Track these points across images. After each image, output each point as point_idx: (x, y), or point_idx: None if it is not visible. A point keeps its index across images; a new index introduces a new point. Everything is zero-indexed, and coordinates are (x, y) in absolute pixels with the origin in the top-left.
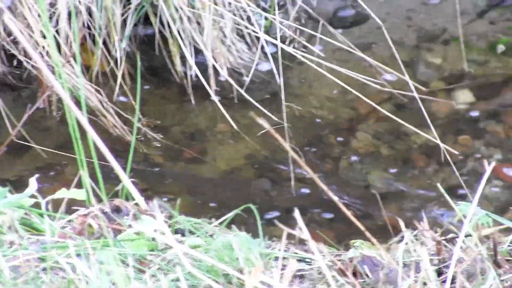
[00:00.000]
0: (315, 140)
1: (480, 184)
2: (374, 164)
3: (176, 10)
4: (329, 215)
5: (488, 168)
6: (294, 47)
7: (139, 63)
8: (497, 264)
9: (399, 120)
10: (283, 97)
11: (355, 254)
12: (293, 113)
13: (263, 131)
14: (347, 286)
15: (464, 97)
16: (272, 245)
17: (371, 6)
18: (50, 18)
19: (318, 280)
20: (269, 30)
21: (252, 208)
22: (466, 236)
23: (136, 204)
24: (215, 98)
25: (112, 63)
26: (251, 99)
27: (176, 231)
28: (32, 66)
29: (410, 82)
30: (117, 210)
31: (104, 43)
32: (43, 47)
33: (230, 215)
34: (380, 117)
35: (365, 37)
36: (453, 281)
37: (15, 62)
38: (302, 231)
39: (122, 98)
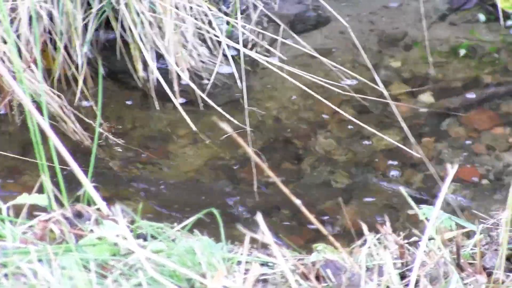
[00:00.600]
0: (277, 143)
1: (443, 187)
2: (337, 167)
3: (138, 14)
4: (291, 219)
5: (451, 172)
6: (256, 51)
7: (100, 68)
8: (460, 268)
9: (361, 124)
10: (245, 101)
11: (318, 258)
12: (255, 117)
13: (226, 135)
14: None
15: (426, 100)
16: (234, 249)
17: (332, 9)
18: (11, 23)
19: (281, 284)
20: (231, 34)
21: (214, 212)
22: (429, 239)
23: (98, 209)
24: (176, 103)
25: (73, 68)
26: (213, 104)
27: (138, 236)
28: None
29: (381, 85)
30: (78, 215)
31: (66, 48)
32: (4, 52)
33: (192, 219)
34: (343, 120)
35: (326, 41)
36: (416, 284)
37: None
38: (265, 235)
39: (84, 103)
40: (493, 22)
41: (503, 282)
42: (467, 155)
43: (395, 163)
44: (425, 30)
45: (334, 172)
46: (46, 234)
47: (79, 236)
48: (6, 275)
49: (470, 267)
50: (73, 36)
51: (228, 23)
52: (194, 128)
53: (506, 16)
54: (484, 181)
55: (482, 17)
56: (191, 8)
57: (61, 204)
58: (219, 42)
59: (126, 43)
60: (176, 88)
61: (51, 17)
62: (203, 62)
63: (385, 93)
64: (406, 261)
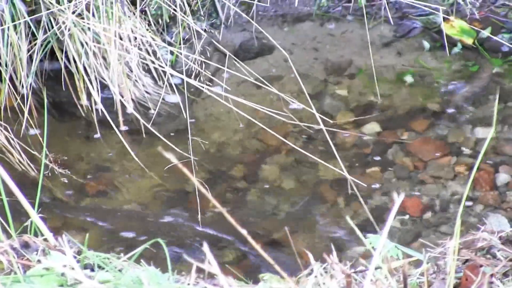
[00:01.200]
0: (222, 173)
1: (389, 216)
2: (283, 196)
3: (82, 45)
4: (238, 249)
5: (397, 201)
6: (200, 81)
7: (46, 99)
8: None
9: (306, 153)
10: (189, 131)
11: None
12: (200, 147)
13: (171, 165)
14: None
15: (372, 128)
16: (181, 279)
17: (277, 37)
18: None
19: None
20: (175, 64)
21: (160, 242)
22: (376, 268)
23: (45, 239)
24: (118, 133)
25: (18, 99)
26: (157, 133)
27: (85, 266)
28: None
29: (317, 115)
30: (26, 245)
31: (11, 78)
32: None
33: (139, 249)
34: (288, 149)
35: (271, 69)
36: None
37: None
38: (211, 264)
39: (30, 132)
40: (439, 49)
41: None
42: (412, 184)
43: (343, 191)
44: (370, 57)
45: (280, 201)
46: None
47: (26, 266)
48: None
49: None
50: (18, 67)
51: (172, 52)
52: (137, 159)
53: (453, 43)
54: (430, 210)
55: (427, 44)
56: (135, 38)
57: (8, 235)
58: (164, 72)
59: (71, 74)
60: (121, 118)
61: None
62: (147, 92)
63: (321, 123)
64: None
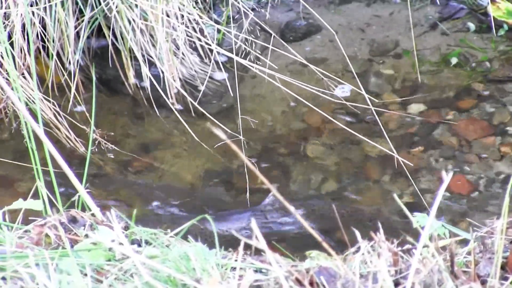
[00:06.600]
0: (269, 151)
1: (437, 194)
2: (328, 175)
3: (129, 22)
4: (285, 226)
5: (446, 179)
6: (247, 59)
7: (94, 76)
8: (454, 275)
9: (352, 131)
10: (239, 109)
11: (312, 265)
12: (247, 125)
13: (220, 143)
14: None
15: (417, 108)
16: (228, 255)
17: (323, 18)
18: (4, 30)
19: None
20: (221, 42)
21: (208, 218)
22: (423, 247)
23: (93, 214)
24: (175, 110)
25: (66, 75)
26: (204, 111)
27: (132, 242)
28: None
29: (366, 95)
30: (73, 220)
31: (58, 55)
32: None
33: (186, 225)
34: (333, 128)
35: (317, 49)
36: None
37: None
38: (259, 241)
39: (77, 109)
40: (485, 31)
41: None
42: (457, 164)
43: (388, 170)
44: (413, 40)
45: (326, 179)
46: (41, 239)
47: (74, 241)
48: (4, 279)
49: (464, 275)
50: (66, 43)
51: (219, 31)
52: (194, 136)
53: (499, 25)
54: (476, 190)
55: (472, 26)
56: (182, 16)
57: (56, 210)
58: (211, 50)
59: (118, 51)
60: (172, 95)
61: (43, 25)
62: (194, 70)
63: (368, 102)
64: (400, 268)
